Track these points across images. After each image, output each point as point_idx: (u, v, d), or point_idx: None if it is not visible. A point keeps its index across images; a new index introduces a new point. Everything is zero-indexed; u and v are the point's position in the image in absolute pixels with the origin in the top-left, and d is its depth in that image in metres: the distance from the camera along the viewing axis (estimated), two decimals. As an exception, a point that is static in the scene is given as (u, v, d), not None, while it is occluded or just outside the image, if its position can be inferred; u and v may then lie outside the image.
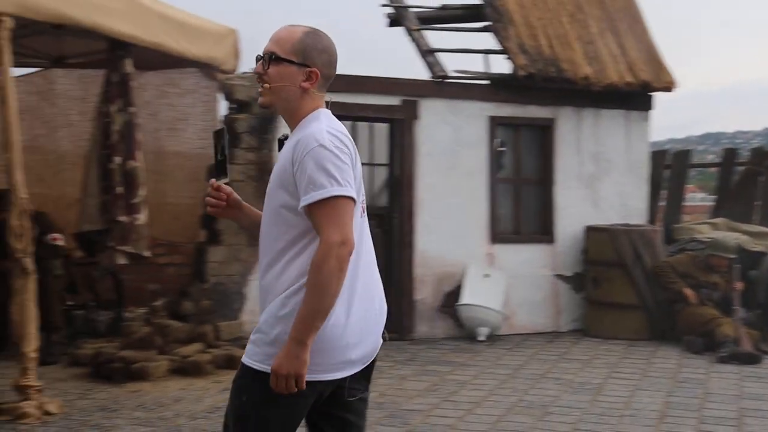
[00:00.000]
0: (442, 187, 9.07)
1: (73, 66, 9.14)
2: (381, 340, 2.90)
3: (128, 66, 6.97)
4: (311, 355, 2.60)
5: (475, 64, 9.50)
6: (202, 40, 7.70)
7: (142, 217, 6.96)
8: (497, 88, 9.38)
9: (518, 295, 9.26)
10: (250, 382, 2.71)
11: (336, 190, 2.61)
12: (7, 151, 5.72)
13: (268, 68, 2.77)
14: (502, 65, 9.54)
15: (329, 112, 2.83)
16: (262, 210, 2.98)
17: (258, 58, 2.82)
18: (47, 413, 5.70)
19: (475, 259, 9.12)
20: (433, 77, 9.17)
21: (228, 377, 6.90)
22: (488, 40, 9.61)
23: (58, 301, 7.71)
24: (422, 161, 9.02)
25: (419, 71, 9.37)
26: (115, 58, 6.95)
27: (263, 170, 8.33)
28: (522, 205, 9.61)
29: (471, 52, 9.62)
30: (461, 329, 8.96)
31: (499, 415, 5.96)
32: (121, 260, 6.97)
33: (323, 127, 2.70)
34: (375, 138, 9.08)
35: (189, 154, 8.81)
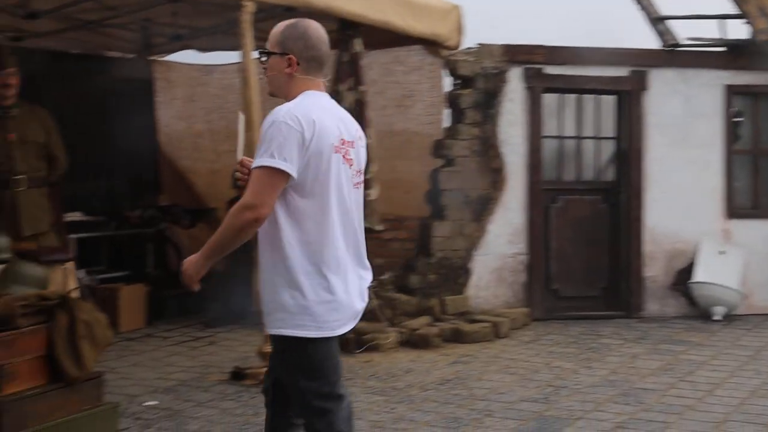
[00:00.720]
0: (672, 160, 8.71)
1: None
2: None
3: (357, 45, 7.14)
4: (332, 315, 3.13)
5: (709, 30, 9.02)
6: (426, 17, 7.77)
7: (373, 193, 7.14)
8: (734, 54, 8.87)
9: (757, 273, 8.75)
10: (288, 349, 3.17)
11: (265, 161, 2.96)
12: (249, 130, 6.00)
13: (266, 62, 3.22)
14: (739, 30, 9.02)
15: (315, 92, 3.17)
16: None
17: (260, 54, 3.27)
18: (287, 379, 5.96)
19: (709, 235, 8.70)
20: (663, 46, 8.82)
21: (455, 350, 7.01)
22: (724, 4, 9.10)
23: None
24: (651, 133, 8.70)
25: (648, 40, 9.04)
26: (345, 38, 7.13)
27: (487, 145, 8.33)
28: (761, 177, 9.07)
29: (705, 17, 9.13)
30: (694, 308, 8.59)
31: (742, 398, 5.68)
32: (355, 234, 7.17)
33: (290, 107, 3.06)
34: (602, 110, 8.84)
35: (416, 130, 8.94)
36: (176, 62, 10.21)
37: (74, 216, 8.01)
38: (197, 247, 9.50)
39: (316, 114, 3.06)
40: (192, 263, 3.17)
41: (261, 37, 8.76)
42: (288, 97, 3.16)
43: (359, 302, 3.32)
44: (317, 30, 3.23)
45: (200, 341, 7.41)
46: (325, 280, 3.14)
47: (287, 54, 3.15)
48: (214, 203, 9.67)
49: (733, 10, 8.96)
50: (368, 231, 7.24)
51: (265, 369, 5.87)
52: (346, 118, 3.26)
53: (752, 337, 7.67)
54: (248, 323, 8.11)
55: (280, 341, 3.20)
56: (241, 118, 4.08)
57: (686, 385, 6.01)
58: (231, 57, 10.04)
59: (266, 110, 3.61)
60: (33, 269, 4.66)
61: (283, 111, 3.03)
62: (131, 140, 9.48)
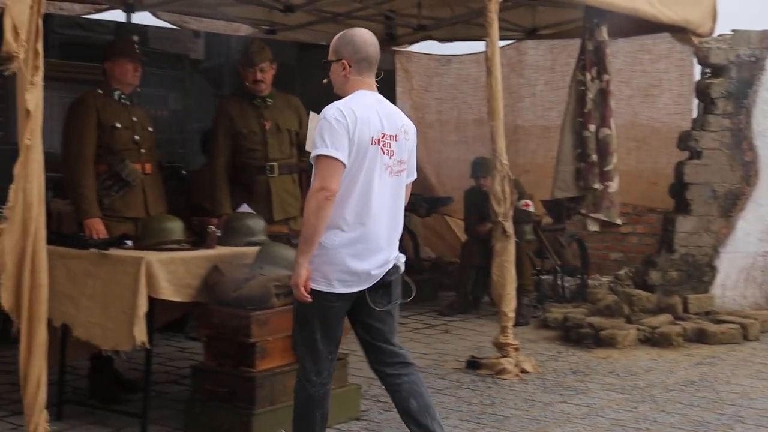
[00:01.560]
0: None
1: (545, 37, 9.37)
2: (384, 273, 3.75)
3: (603, 33, 6.98)
4: (325, 274, 3.65)
5: None
6: (677, 2, 7.46)
7: (614, 185, 6.98)
8: None
9: None
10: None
11: (322, 150, 3.57)
12: (492, 120, 6.02)
13: (329, 68, 3.84)
14: None
15: (364, 91, 3.75)
16: None
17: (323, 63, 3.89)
18: (523, 371, 5.95)
19: None
20: None
21: (699, 351, 6.73)
22: None
23: (529, 266, 8.02)
24: None
25: None
26: (591, 25, 6.99)
27: (739, 137, 7.90)
28: None
29: None
30: None
31: None
32: (593, 227, 7.05)
33: (339, 105, 3.66)
34: None
35: (663, 120, 8.64)
36: (416, 52, 10.40)
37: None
38: (431, 235, 9.75)
39: (359, 110, 3.64)
40: (295, 273, 3.66)
41: (506, 27, 8.86)
42: (344, 95, 3.75)
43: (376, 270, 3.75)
44: (363, 35, 3.81)
45: (435, 329, 7.53)
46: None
47: (341, 59, 3.76)
48: (441, 193, 9.75)
49: None
50: (607, 224, 7.15)
51: (501, 358, 5.94)
52: (392, 113, 3.80)
53: None
54: (482, 312, 8.18)
55: None
56: (312, 116, 4.70)
57: None
58: (468, 47, 10.13)
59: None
60: (285, 251, 4.89)
61: (333, 108, 3.64)
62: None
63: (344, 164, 3.57)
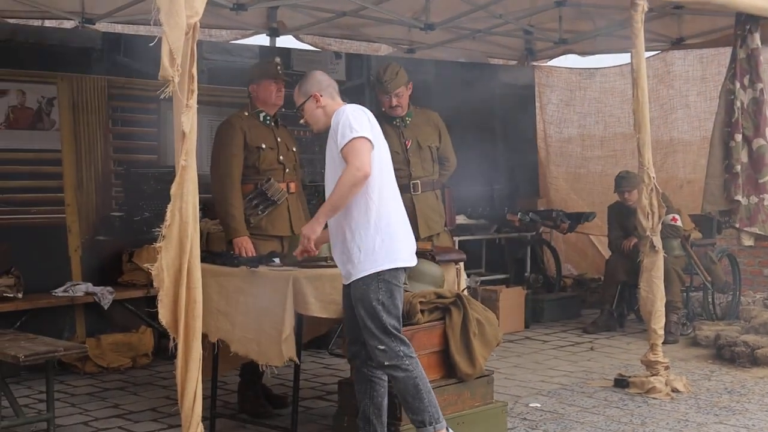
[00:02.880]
0: None
1: (692, 46, 9.10)
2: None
3: (756, 40, 6.71)
4: (388, 254, 4.07)
5: None
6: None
7: (768, 197, 6.66)
8: None
9: None
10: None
11: (351, 135, 4.00)
12: (639, 132, 5.88)
13: (302, 113, 4.35)
14: None
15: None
16: None
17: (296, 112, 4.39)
18: (674, 390, 5.75)
19: None
20: None
21: None
22: None
23: (678, 282, 7.76)
24: None
25: None
26: (743, 32, 6.73)
27: None
28: None
29: None
30: None
31: None
32: (747, 242, 6.75)
33: (346, 107, 4.16)
34: None
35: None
36: (556, 67, 10.29)
37: (459, 219, 8.35)
38: (573, 252, 9.54)
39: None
40: (308, 225, 4.16)
41: (650, 38, 8.65)
42: (326, 123, 4.23)
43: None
44: (318, 71, 4.45)
45: (579, 346, 7.38)
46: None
47: (310, 95, 4.27)
48: (586, 208, 9.56)
49: None
50: (763, 238, 6.84)
51: (650, 377, 5.76)
52: None
53: None
54: (627, 330, 7.97)
55: None
56: None
57: None
58: (611, 60, 9.96)
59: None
60: (430, 268, 4.90)
61: (347, 108, 4.14)
62: (513, 145, 9.71)
63: (373, 145, 4.05)
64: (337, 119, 4.09)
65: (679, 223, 7.90)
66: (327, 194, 4.17)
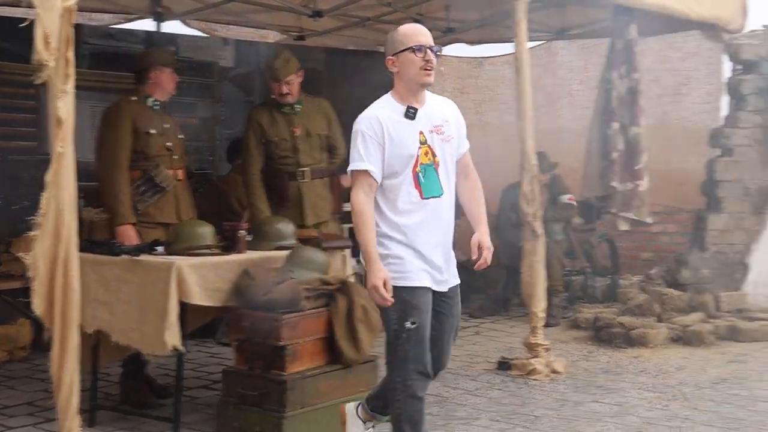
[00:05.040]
0: None
1: (574, 36, 9.34)
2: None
3: (632, 32, 6.96)
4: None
5: None
6: (707, -1, 7.42)
7: (644, 183, 6.94)
8: None
9: None
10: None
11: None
12: (521, 120, 6.02)
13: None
14: None
15: None
16: None
17: (436, 51, 3.79)
18: (554, 371, 5.94)
19: None
20: None
21: (731, 349, 6.68)
22: None
23: (559, 266, 7.99)
24: None
25: None
26: (620, 24, 6.97)
27: (770, 134, 7.84)
28: None
29: None
30: None
31: None
32: (623, 226, 7.03)
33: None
34: None
35: (692, 119, 8.59)
36: (447, 56, 10.41)
37: (348, 206, 8.38)
38: (462, 238, 9.66)
39: None
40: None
41: (534, 28, 8.84)
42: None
43: None
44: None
45: (465, 331, 7.51)
46: None
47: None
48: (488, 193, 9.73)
49: None
50: (638, 223, 7.12)
51: (531, 359, 5.93)
52: None
53: None
54: (512, 314, 8.17)
55: None
56: None
57: None
58: (499, 49, 10.13)
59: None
60: (315, 255, 4.93)
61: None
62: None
63: None
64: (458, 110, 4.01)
65: (574, 202, 8.13)
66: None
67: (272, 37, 9.12)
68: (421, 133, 3.78)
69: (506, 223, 8.22)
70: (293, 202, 5.87)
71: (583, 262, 8.53)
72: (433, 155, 3.80)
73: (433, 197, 3.77)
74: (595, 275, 8.75)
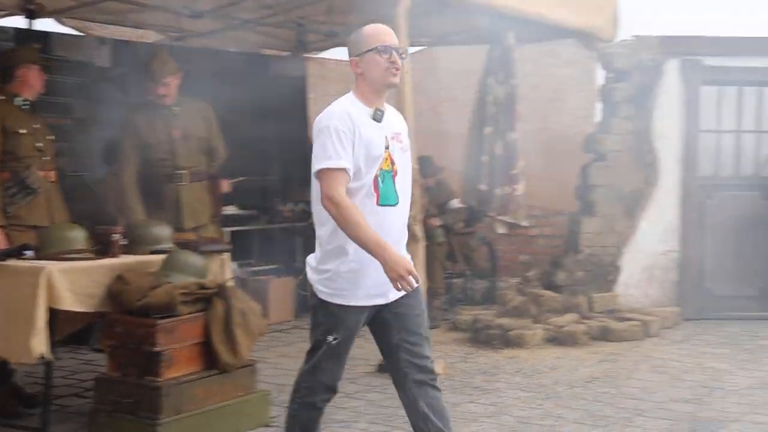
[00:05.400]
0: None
1: (455, 42, 9.47)
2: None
3: (510, 39, 7.10)
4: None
5: None
6: (582, 9, 7.63)
7: (520, 188, 7.10)
8: None
9: None
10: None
11: None
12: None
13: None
14: None
15: None
16: None
17: (401, 52, 3.60)
18: (433, 373, 6.01)
19: None
20: (831, 35, 8.37)
21: (603, 349, 6.90)
22: None
23: (440, 269, 8.11)
24: (818, 127, 8.28)
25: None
26: (498, 31, 7.11)
27: (640, 140, 8.13)
28: None
29: None
30: None
31: None
32: (501, 230, 7.17)
33: None
34: (764, 103, 8.46)
35: (569, 124, 8.84)
36: (330, 59, 10.42)
37: (229, 209, 8.31)
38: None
39: None
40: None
41: (416, 33, 8.91)
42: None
43: None
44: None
45: (348, 333, 7.53)
46: None
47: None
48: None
49: None
50: (514, 227, 7.28)
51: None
52: None
53: None
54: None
55: None
56: None
57: None
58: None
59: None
60: (193, 259, 4.86)
61: None
62: (286, 136, 9.74)
63: None
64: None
65: (461, 205, 8.26)
66: None
67: (151, 37, 8.94)
68: (385, 137, 3.59)
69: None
70: (171, 206, 5.79)
71: (464, 265, 8.68)
72: (392, 163, 3.60)
73: (388, 205, 3.58)
74: (474, 278, 8.91)
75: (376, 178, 3.53)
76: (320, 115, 3.62)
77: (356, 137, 3.49)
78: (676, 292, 8.18)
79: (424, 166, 8.18)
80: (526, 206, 7.52)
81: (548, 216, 10.21)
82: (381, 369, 6.13)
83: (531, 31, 7.79)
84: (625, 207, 8.13)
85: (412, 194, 5.98)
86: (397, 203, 3.62)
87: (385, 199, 3.56)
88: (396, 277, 3.36)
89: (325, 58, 10.42)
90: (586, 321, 7.42)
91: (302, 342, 7.08)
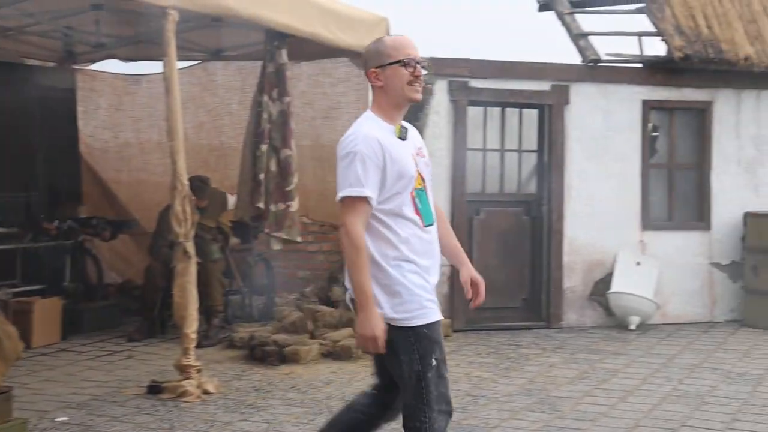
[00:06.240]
0: (592, 173, 8.89)
1: (231, 58, 9.43)
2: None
3: (283, 56, 7.13)
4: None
5: (628, 47, 9.25)
6: (354, 29, 7.80)
7: (294, 204, 7.12)
8: (651, 71, 9.11)
9: (671, 283, 8.99)
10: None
11: None
12: (172, 139, 5.96)
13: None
14: (656, 48, 9.27)
15: None
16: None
17: (425, 66, 3.44)
18: (206, 392, 5.92)
19: (627, 246, 8.90)
20: (584, 61, 9.00)
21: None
22: (642, 22, 9.35)
23: (218, 286, 8.00)
24: (572, 147, 8.86)
25: (570, 56, 9.23)
26: (271, 48, 7.12)
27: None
28: (676, 191, 9.31)
29: (624, 34, 9.39)
30: (612, 318, 8.78)
31: (653, 404, 5.82)
32: (276, 246, 7.16)
33: None
34: (525, 124, 8.97)
35: (344, 142, 8.95)
36: (101, 71, 10.09)
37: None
38: (119, 259, 9.29)
39: None
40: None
41: (190, 48, 8.80)
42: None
43: None
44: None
45: (117, 355, 7.29)
46: None
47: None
48: (138, 214, 9.55)
49: (650, 28, 9.20)
50: (289, 243, 7.30)
51: (183, 381, 5.87)
52: None
53: (665, 346, 7.86)
54: (169, 336, 8.03)
55: None
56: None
57: (600, 393, 6.13)
58: (159, 67, 9.97)
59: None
60: None
61: None
62: (51, 150, 9.32)
63: None
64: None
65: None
66: None
67: None
68: (412, 155, 3.44)
69: (163, 244, 8.10)
70: None
71: (241, 282, 8.62)
72: (422, 179, 3.46)
73: (430, 225, 3.45)
74: (252, 294, 8.86)
75: (413, 198, 3.39)
76: (345, 138, 3.43)
77: (387, 161, 3.33)
78: (447, 305, 8.47)
79: (197, 187, 8.07)
80: (302, 222, 7.56)
81: (327, 232, 10.33)
82: (151, 390, 5.97)
83: (305, 49, 7.88)
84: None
85: (184, 212, 6.00)
86: (434, 221, 3.49)
87: (427, 219, 3.44)
88: (368, 336, 3.25)
89: (96, 71, 10.08)
90: (360, 335, 7.53)
91: (69, 365, 6.84)
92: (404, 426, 3.46)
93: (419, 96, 3.44)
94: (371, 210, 3.32)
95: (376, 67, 3.44)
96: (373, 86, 3.49)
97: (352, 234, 3.27)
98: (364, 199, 3.30)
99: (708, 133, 9.25)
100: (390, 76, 3.41)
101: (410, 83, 3.40)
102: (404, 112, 3.51)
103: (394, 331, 3.33)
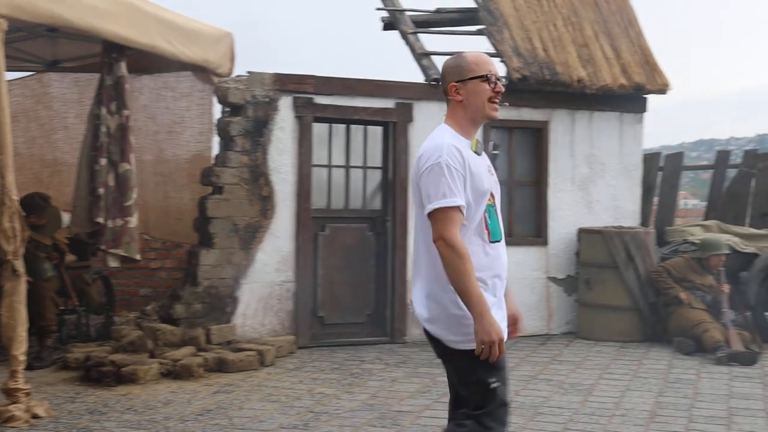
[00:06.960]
0: (435, 190, 9.05)
1: (68, 70, 9.14)
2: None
3: (122, 69, 6.96)
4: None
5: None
6: (196, 42, 7.71)
7: (133, 220, 6.94)
8: (491, 91, 9.37)
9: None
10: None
11: None
12: (2, 154, 5.69)
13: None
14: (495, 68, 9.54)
15: None
16: None
17: (505, 82, 3.50)
18: (35, 416, 5.68)
19: (469, 262, 9.10)
20: (427, 80, 9.18)
21: (219, 380, 6.94)
22: (483, 44, 9.64)
23: (52, 305, 7.70)
24: (416, 164, 9.00)
25: (414, 74, 9.42)
26: (110, 60, 6.94)
27: (256, 173, 8.33)
28: (515, 207, 9.62)
29: (464, 55, 9.62)
30: (454, 332, 8.95)
31: (489, 418, 5.95)
32: (114, 263, 6.96)
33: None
34: (369, 141, 9.07)
35: (186, 157, 8.82)
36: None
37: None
38: None
39: None
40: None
41: (20, 57, 8.46)
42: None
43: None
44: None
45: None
46: None
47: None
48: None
49: (490, 49, 9.49)
50: (128, 260, 7.11)
51: (9, 405, 5.60)
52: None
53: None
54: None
55: None
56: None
57: (441, 406, 6.21)
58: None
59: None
60: None
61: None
62: None
63: None
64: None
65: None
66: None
67: None
68: (486, 170, 3.45)
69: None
70: None
71: (77, 301, 8.32)
72: (492, 196, 3.46)
73: (497, 241, 3.44)
74: (90, 313, 8.57)
75: (485, 214, 3.40)
76: (424, 152, 3.39)
77: (467, 172, 3.33)
78: (291, 321, 8.45)
79: (37, 204, 7.77)
80: (142, 239, 7.37)
81: (170, 249, 10.13)
82: None
83: (145, 62, 7.72)
84: (242, 239, 8.28)
85: (13, 228, 5.75)
86: (502, 238, 3.48)
87: (495, 235, 3.43)
88: (487, 341, 3.22)
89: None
90: (202, 353, 7.42)
91: None
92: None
93: (497, 114, 3.49)
94: (464, 219, 3.32)
95: (457, 81, 3.46)
96: (450, 100, 3.52)
97: (454, 244, 3.25)
98: (458, 209, 3.30)
99: (545, 151, 9.62)
100: (471, 91, 3.45)
101: (490, 100, 3.46)
102: (479, 128, 3.57)
103: (451, 351, 3.41)
